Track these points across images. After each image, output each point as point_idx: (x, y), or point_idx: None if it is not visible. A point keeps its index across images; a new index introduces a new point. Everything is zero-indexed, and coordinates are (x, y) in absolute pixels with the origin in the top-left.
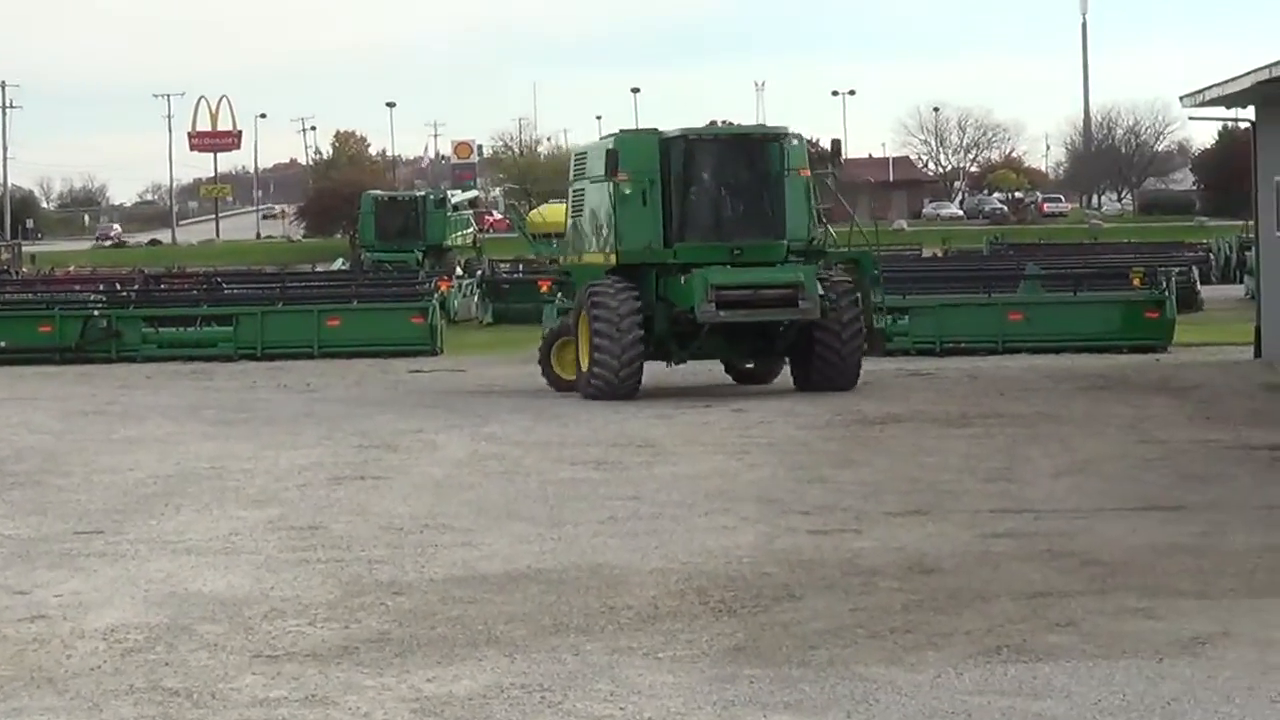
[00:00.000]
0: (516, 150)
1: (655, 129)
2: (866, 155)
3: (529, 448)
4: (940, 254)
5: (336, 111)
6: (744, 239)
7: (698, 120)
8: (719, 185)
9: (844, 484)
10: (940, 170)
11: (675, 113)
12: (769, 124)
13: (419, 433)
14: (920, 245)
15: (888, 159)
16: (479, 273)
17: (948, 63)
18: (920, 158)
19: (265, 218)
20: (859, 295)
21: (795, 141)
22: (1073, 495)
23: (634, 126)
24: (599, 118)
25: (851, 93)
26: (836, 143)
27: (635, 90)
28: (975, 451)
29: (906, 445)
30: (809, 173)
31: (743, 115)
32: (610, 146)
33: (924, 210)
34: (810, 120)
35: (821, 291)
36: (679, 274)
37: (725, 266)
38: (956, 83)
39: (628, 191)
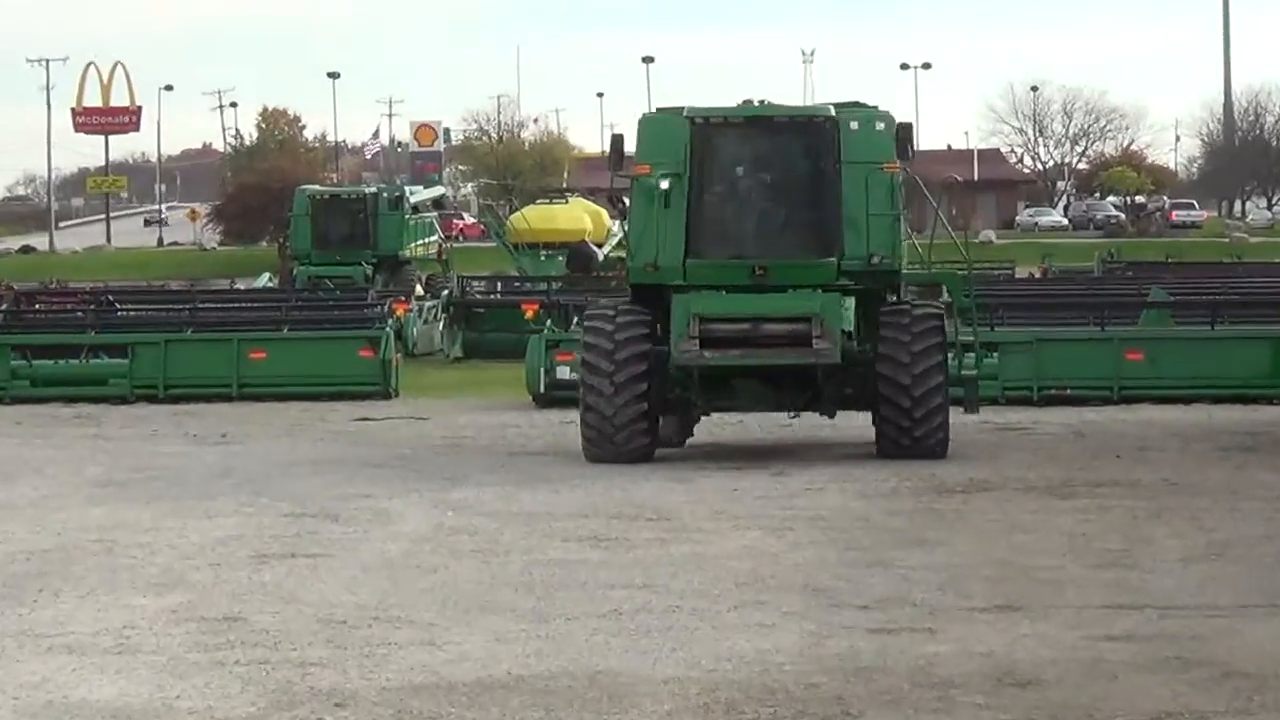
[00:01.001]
0: (494, 135)
1: (684, 109)
2: (944, 147)
3: (509, 519)
4: (1039, 274)
5: (263, 84)
6: (775, 255)
7: (729, 100)
8: (750, 184)
9: (913, 570)
10: (1039, 167)
11: (699, 89)
12: (820, 102)
13: (367, 499)
14: (1013, 263)
15: (971, 151)
16: (445, 293)
17: (1049, 32)
18: (1014, 151)
19: (150, 223)
20: (940, 330)
21: (881, 125)
22: (1208, 587)
23: (660, 106)
24: (600, 95)
25: (926, 66)
26: (907, 128)
27: (647, 60)
28: (1083, 530)
29: (994, 520)
30: (898, 166)
31: (786, 94)
32: (617, 132)
33: (1018, 218)
34: (873, 101)
35: (889, 325)
36: None
37: (720, 292)
38: (1061, 56)
39: (657, 189)
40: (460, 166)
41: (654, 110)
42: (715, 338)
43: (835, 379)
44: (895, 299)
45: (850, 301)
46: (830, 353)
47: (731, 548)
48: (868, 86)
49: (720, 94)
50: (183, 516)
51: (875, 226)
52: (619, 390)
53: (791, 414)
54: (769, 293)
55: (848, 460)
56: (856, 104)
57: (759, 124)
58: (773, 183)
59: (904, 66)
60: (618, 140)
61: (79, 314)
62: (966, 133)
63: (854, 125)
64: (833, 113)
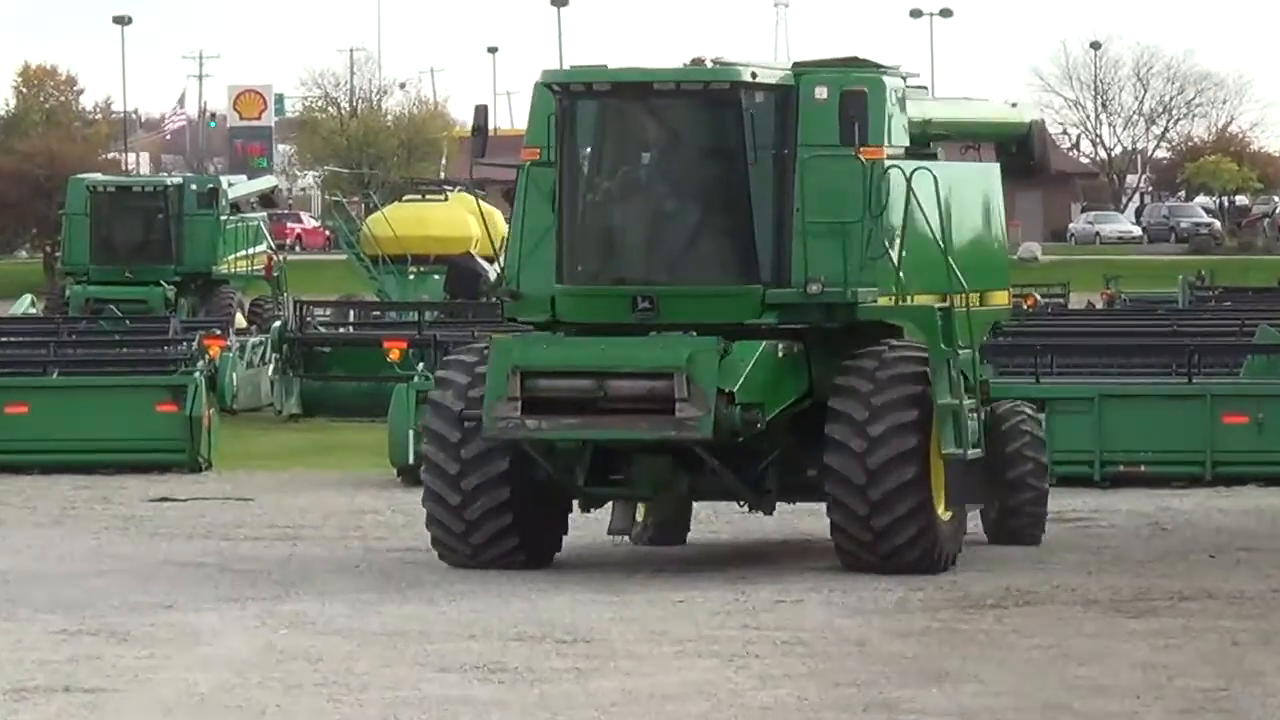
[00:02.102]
0: (345, 106)
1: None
2: None
3: (366, 641)
4: (1102, 303)
5: (23, 32)
6: (668, 281)
7: (675, 59)
8: (636, 180)
9: (928, 716)
10: (1103, 155)
11: (632, 48)
12: (738, 62)
13: (168, 610)
14: (1067, 287)
15: None
16: (276, 325)
17: None
18: (1066, 132)
19: None
20: (917, 395)
21: (877, 86)
22: None
23: (576, 65)
24: (493, 50)
25: (945, 14)
26: (1040, 130)
27: (559, 2)
28: (1163, 660)
29: (1041, 647)
30: (884, 153)
31: (756, 50)
32: (480, 103)
33: (1073, 225)
34: (873, 58)
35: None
36: None
37: (552, 337)
38: (1130, 7)
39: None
40: (298, 149)
41: (563, 69)
42: (543, 400)
43: (787, 457)
44: (888, 341)
45: (764, 350)
46: (696, 424)
47: (674, 683)
48: (866, 38)
49: (664, 51)
50: None
51: (823, 240)
52: (467, 471)
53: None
54: (637, 335)
55: (834, 562)
56: (852, 61)
57: (645, 93)
58: (668, 178)
59: (915, 14)
60: (480, 113)
61: None
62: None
63: (820, 93)
64: (748, 75)
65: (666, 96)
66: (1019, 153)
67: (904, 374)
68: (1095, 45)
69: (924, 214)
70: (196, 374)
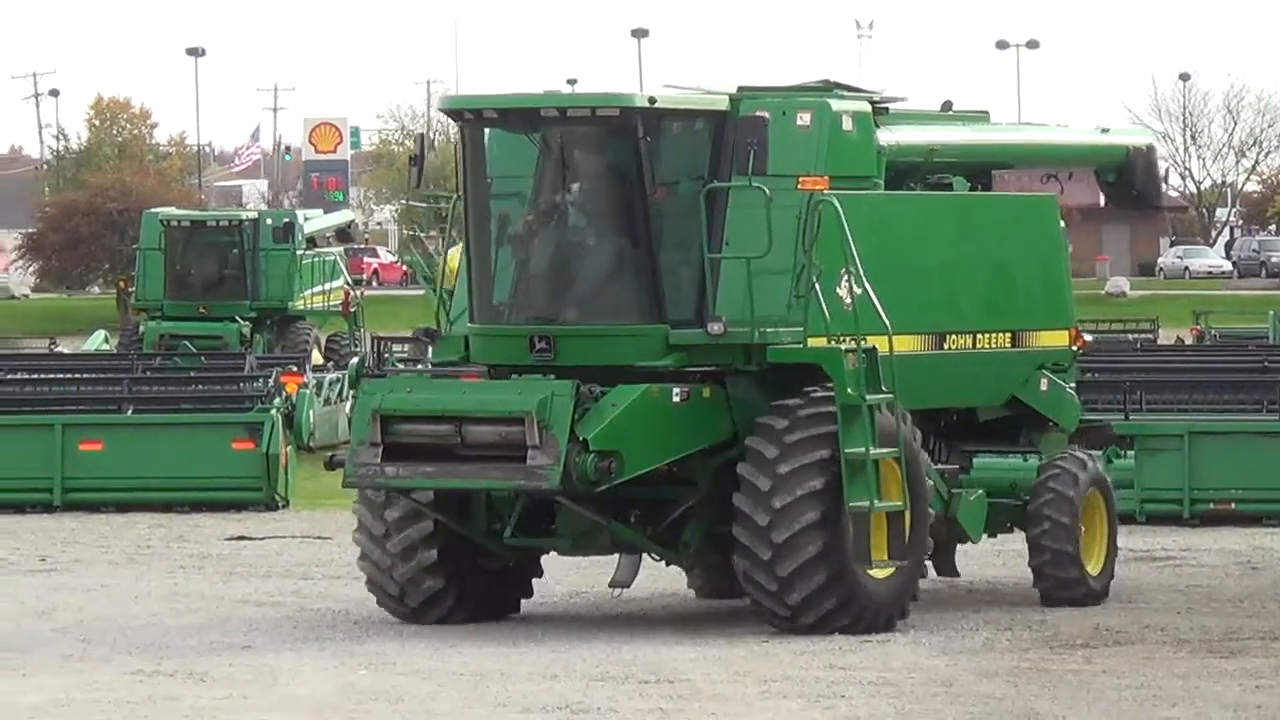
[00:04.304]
0: (424, 139)
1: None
2: None
3: (446, 681)
4: (1192, 339)
5: (97, 65)
6: (568, 320)
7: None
8: (536, 212)
9: None
10: (1192, 188)
11: (705, 74)
12: (682, 86)
13: (247, 650)
14: (1156, 323)
15: None
16: (354, 361)
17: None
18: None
19: None
20: (826, 438)
21: (808, 117)
22: None
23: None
24: (572, 82)
25: (1032, 45)
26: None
27: (639, 34)
28: (1256, 701)
29: (1131, 688)
30: (824, 183)
31: (833, 78)
32: (420, 132)
33: (1161, 259)
34: (954, 89)
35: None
36: None
37: (418, 380)
38: (1219, 39)
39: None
40: (374, 182)
41: (457, 96)
42: (403, 446)
43: (710, 509)
44: (810, 391)
45: (641, 395)
46: (546, 473)
47: None
48: (949, 70)
49: (733, 78)
50: None
51: (741, 277)
52: (392, 533)
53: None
54: (509, 379)
55: (922, 602)
56: (827, 86)
57: (533, 120)
58: (563, 211)
59: (1001, 45)
60: (418, 142)
61: None
62: None
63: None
64: (643, 101)
65: (555, 124)
66: (1118, 182)
67: (813, 433)
68: (1184, 77)
69: (873, 249)
70: (273, 411)
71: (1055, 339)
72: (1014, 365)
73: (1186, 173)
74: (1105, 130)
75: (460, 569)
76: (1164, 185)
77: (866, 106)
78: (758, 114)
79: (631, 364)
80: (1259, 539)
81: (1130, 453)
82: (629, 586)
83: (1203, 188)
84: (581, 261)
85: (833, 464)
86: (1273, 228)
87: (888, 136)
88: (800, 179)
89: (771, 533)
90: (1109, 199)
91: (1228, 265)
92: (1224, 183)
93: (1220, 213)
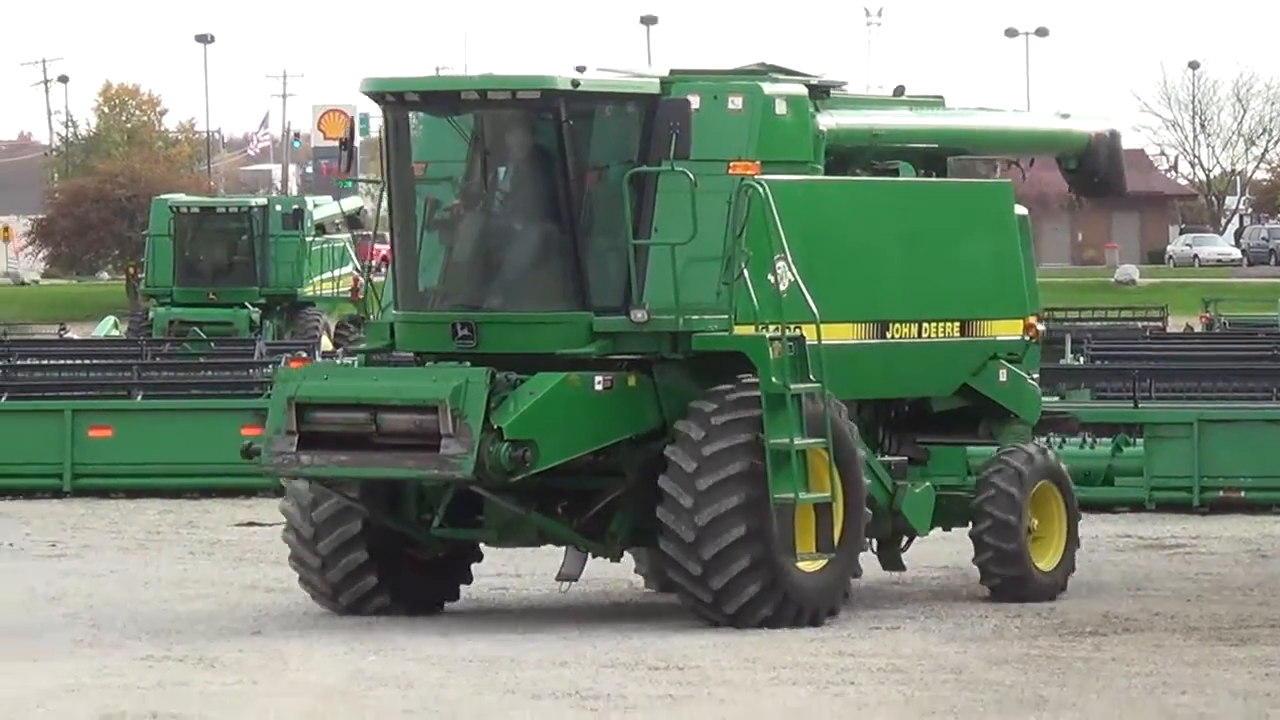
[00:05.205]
0: (354, 124)
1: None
2: None
3: (455, 667)
4: (1201, 326)
5: (105, 52)
6: (490, 307)
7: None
8: (457, 197)
9: None
10: (1201, 176)
11: (713, 62)
12: (620, 68)
13: (257, 635)
14: (1164, 310)
15: None
16: (364, 347)
17: None
18: (1164, 153)
19: None
20: (750, 424)
21: (739, 101)
22: None
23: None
24: (581, 69)
25: (1041, 33)
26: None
27: (648, 21)
28: (1264, 688)
29: (1140, 675)
30: (755, 168)
31: (840, 67)
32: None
33: (1170, 247)
34: (961, 78)
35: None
36: None
37: (334, 368)
38: (1228, 27)
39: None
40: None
41: (379, 78)
42: (319, 434)
43: (638, 500)
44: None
45: (559, 384)
46: (459, 462)
47: (769, 710)
48: (957, 57)
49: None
50: None
51: (667, 263)
52: (322, 529)
53: None
54: (425, 366)
55: (931, 589)
56: (764, 69)
57: (454, 103)
58: (484, 196)
59: (1010, 33)
60: (348, 126)
61: None
62: None
63: (693, 103)
64: (565, 84)
65: (476, 106)
66: (1080, 169)
67: (737, 417)
68: (1193, 65)
69: (806, 235)
70: None
71: (1008, 329)
72: (963, 355)
73: (1196, 161)
74: (1066, 116)
75: (392, 564)
76: (1126, 171)
77: (803, 90)
78: (680, 97)
79: (555, 352)
80: (1268, 527)
81: (1139, 441)
82: (576, 580)
83: (1212, 176)
84: (504, 248)
85: (757, 456)
86: None
87: (827, 121)
88: (731, 163)
89: (695, 515)
90: (1071, 186)
91: (1237, 253)
92: (1233, 171)
93: (1229, 201)
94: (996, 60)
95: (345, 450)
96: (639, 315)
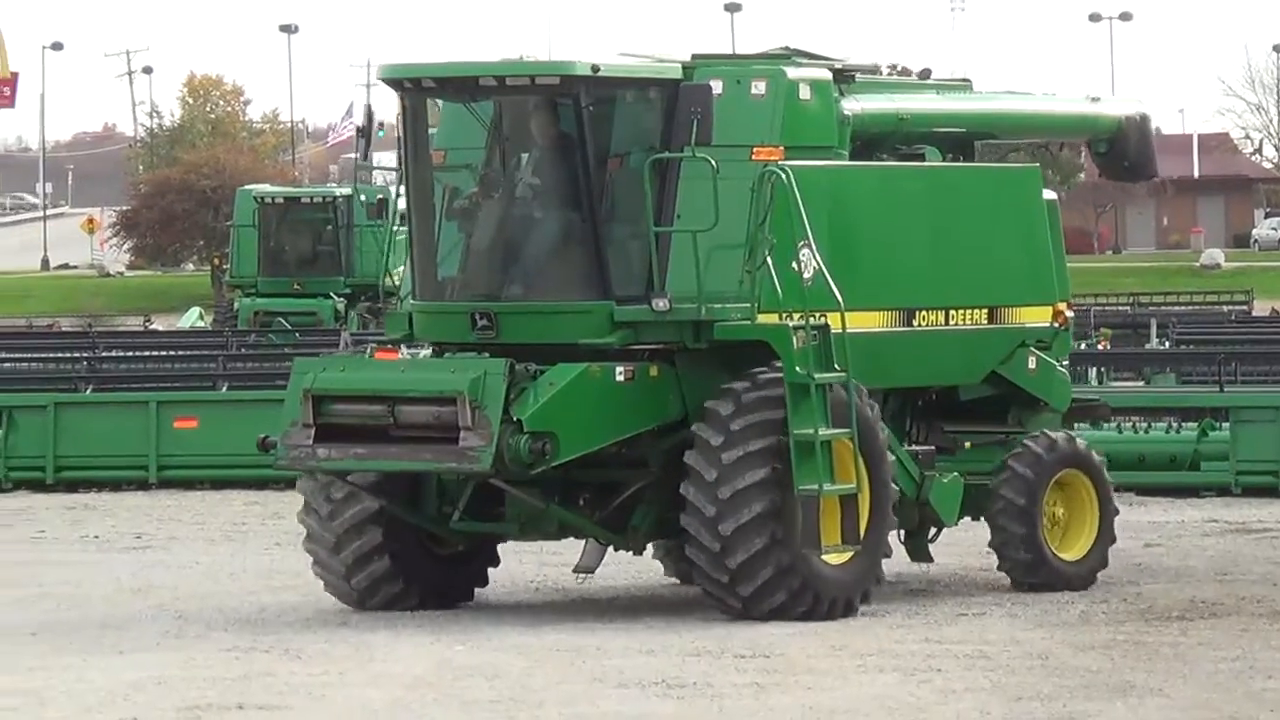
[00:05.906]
0: (371, 110)
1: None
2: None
3: (542, 656)
4: None
5: (189, 43)
6: (510, 297)
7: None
8: (477, 186)
9: None
10: None
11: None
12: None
13: (342, 627)
14: (1250, 294)
15: (1190, 138)
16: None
17: None
18: (1249, 136)
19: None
20: (774, 424)
21: (762, 86)
22: None
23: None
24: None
25: (1125, 17)
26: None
27: (732, 8)
28: None
29: (1228, 660)
30: (779, 153)
31: (924, 54)
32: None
33: (1256, 231)
34: (1044, 64)
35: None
36: None
37: (352, 359)
38: None
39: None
40: None
41: (398, 64)
42: (336, 427)
43: (661, 492)
44: (761, 370)
45: (579, 375)
46: (478, 455)
47: (856, 697)
48: (1039, 44)
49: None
50: (82, 653)
51: (689, 251)
52: (337, 513)
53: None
54: (455, 356)
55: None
56: (788, 54)
57: (472, 89)
58: (504, 183)
59: (1094, 18)
60: (366, 114)
61: None
62: (1182, 111)
63: (716, 89)
64: (585, 69)
65: (495, 92)
66: (1110, 153)
67: (761, 418)
68: (1278, 48)
69: (832, 222)
70: None
71: (1038, 315)
72: (991, 343)
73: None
74: (1096, 99)
75: (408, 552)
76: (1157, 155)
77: (827, 74)
78: (702, 82)
79: (575, 342)
80: None
81: (1226, 425)
82: (594, 572)
83: None
84: (524, 236)
85: (780, 450)
86: None
87: (852, 105)
88: (754, 149)
89: (719, 524)
90: (1102, 170)
91: None
92: None
93: None
94: (1080, 46)
95: (363, 443)
96: (661, 304)
